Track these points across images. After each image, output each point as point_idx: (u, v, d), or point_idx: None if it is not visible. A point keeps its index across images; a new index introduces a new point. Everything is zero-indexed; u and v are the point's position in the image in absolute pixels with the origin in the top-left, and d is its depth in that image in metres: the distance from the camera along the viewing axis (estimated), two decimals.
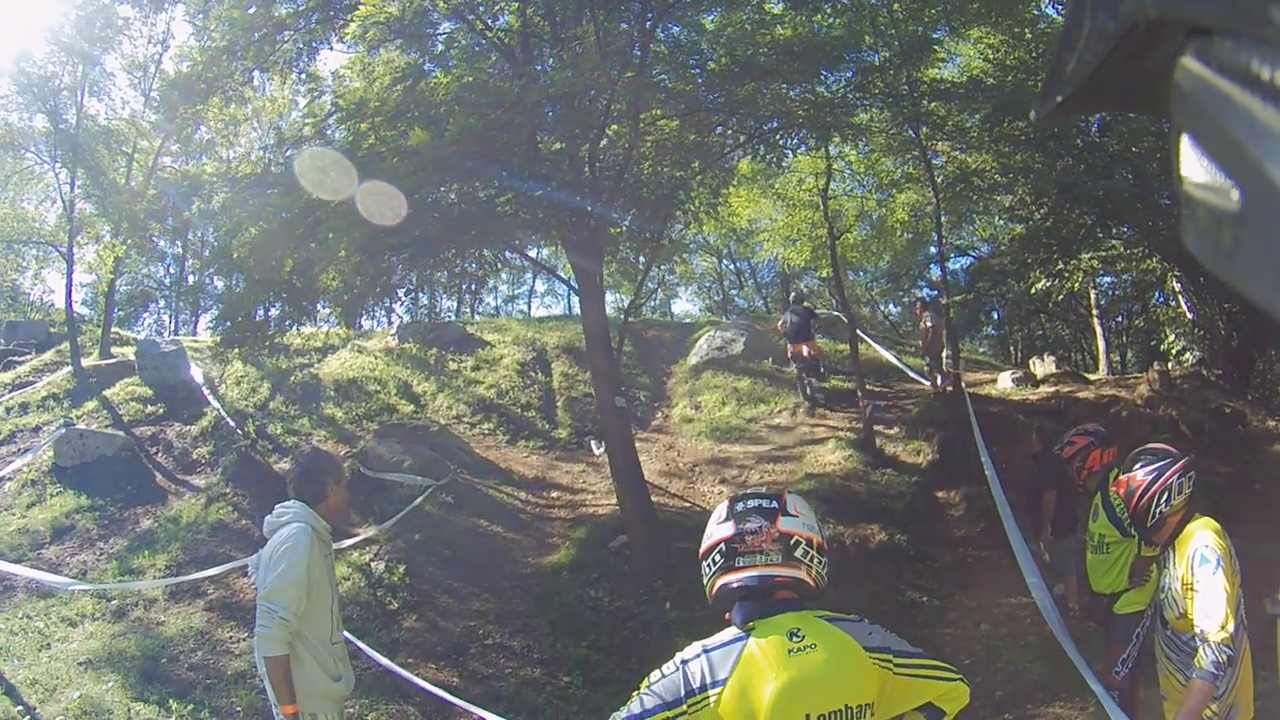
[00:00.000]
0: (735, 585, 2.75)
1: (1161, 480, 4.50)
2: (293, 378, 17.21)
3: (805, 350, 18.09)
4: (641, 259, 17.89)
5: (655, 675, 2.66)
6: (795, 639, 2.62)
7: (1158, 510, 4.49)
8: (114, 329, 21.66)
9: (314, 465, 5.35)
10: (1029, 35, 17.02)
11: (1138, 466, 4.67)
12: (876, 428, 15.78)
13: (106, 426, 14.57)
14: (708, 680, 2.59)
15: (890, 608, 11.14)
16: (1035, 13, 17.14)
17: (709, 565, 2.84)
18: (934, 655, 2.81)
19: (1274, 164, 0.45)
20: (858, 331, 18.50)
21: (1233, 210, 0.49)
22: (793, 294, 25.67)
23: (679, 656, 2.68)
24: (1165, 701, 4.58)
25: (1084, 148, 16.93)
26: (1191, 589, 4.12)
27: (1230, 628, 3.86)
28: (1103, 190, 15.78)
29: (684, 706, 2.57)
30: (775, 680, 2.55)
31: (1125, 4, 0.57)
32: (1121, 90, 0.63)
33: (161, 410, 15.37)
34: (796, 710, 2.55)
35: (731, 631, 2.71)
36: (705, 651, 2.66)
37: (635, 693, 2.65)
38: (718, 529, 2.84)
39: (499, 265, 16.55)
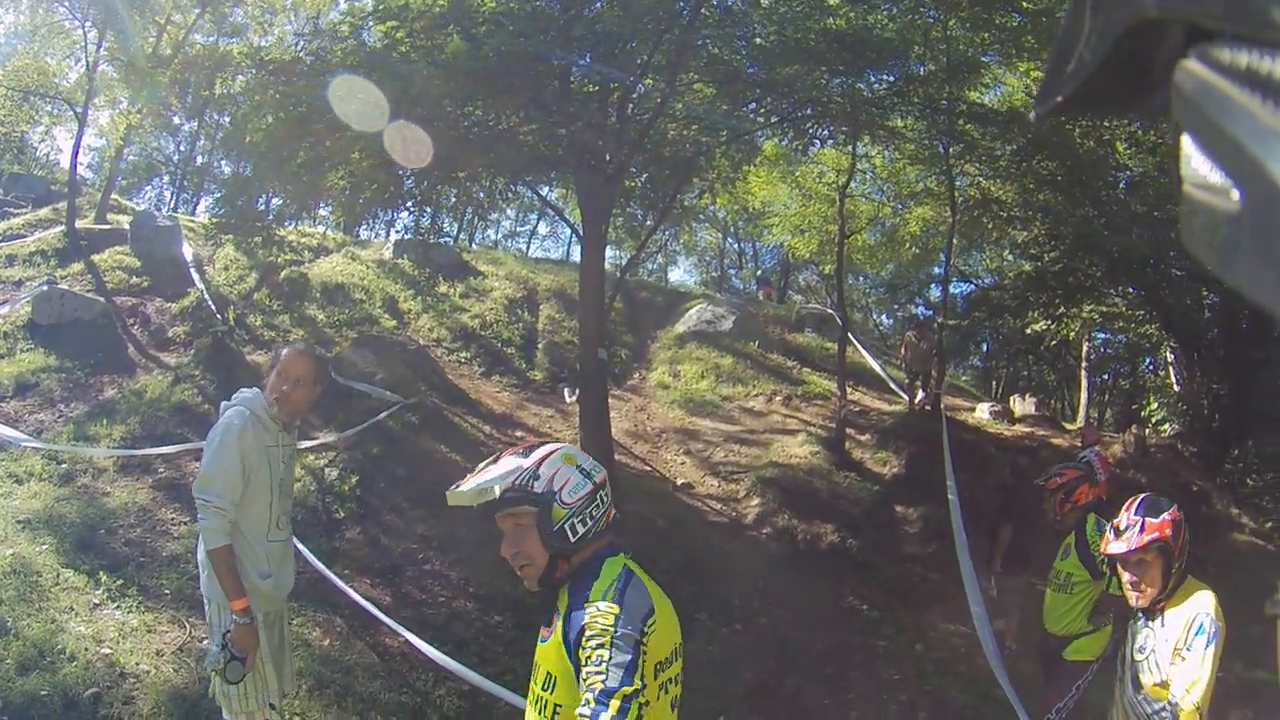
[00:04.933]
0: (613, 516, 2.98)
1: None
2: (282, 273, 17.00)
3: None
4: (650, 219, 17.86)
5: (609, 603, 2.67)
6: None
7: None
8: (114, 196, 21.36)
9: (288, 357, 4.98)
10: None
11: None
12: (849, 430, 15.82)
13: (89, 290, 14.40)
14: (647, 608, 2.70)
15: (829, 609, 11.16)
16: None
17: (605, 496, 2.96)
18: None
19: (1274, 164, 0.44)
20: (848, 334, 18.45)
21: (1233, 210, 0.48)
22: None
23: (614, 584, 2.76)
24: None
25: (1108, 201, 16.92)
26: (1180, 655, 3.92)
27: (1204, 710, 3.72)
28: (1118, 247, 15.76)
29: (645, 627, 2.64)
30: (666, 609, 2.79)
31: (1125, 4, 0.56)
32: (1121, 90, 0.62)
33: (146, 283, 15.21)
34: (677, 640, 2.82)
35: (623, 563, 2.85)
36: (631, 581, 2.77)
37: (600, 626, 2.61)
38: (597, 473, 2.99)
39: (508, 197, 16.43)
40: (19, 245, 16.41)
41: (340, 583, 7.72)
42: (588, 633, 2.62)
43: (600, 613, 2.65)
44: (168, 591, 7.62)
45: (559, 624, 2.79)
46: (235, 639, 4.52)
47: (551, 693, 2.78)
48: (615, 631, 2.60)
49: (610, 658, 2.53)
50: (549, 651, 2.82)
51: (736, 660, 9.33)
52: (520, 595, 9.07)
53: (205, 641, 4.78)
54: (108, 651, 6.59)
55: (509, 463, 2.91)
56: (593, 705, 2.43)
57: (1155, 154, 16.59)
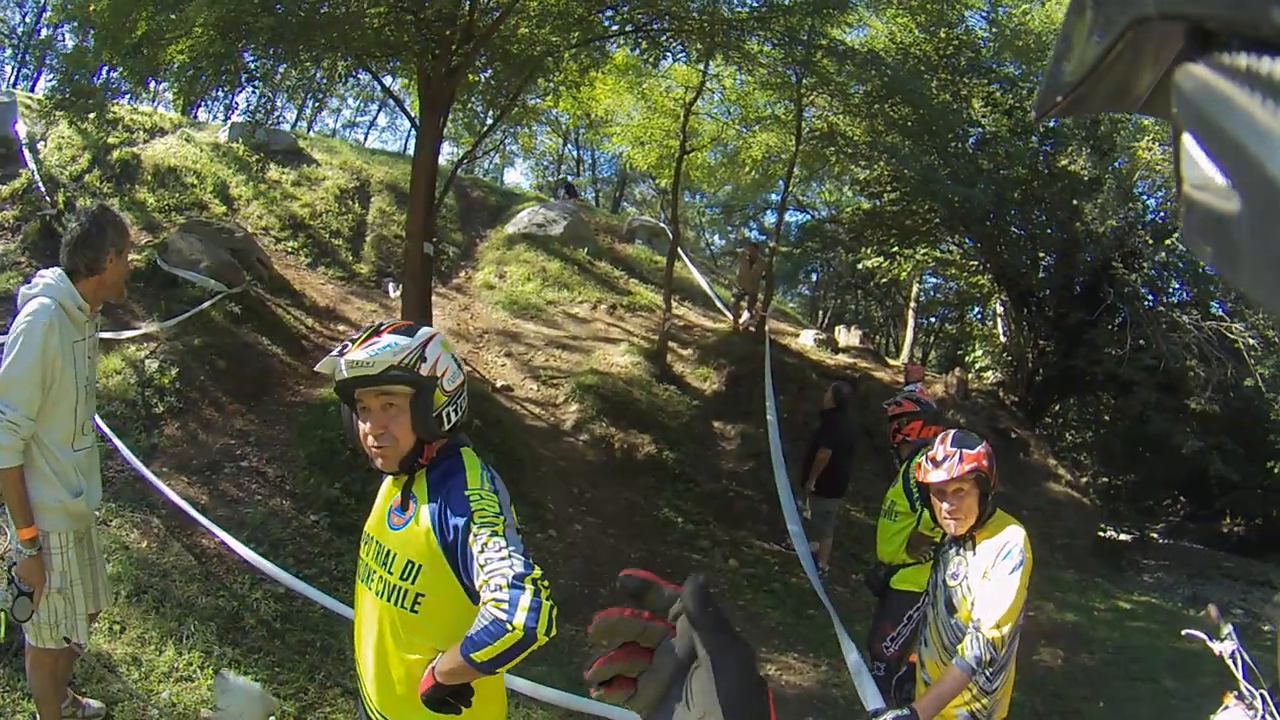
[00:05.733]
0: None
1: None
2: (114, 154, 15.92)
3: None
4: (490, 116, 17.56)
5: (488, 493, 2.78)
6: None
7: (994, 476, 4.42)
8: None
9: (98, 226, 4.35)
10: (944, 34, 17.28)
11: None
12: (671, 344, 16.01)
13: None
14: (508, 499, 2.83)
15: (644, 520, 11.36)
16: (958, 17, 17.44)
17: (463, 395, 3.04)
18: None
19: (1274, 164, 0.42)
20: (678, 249, 18.55)
21: (1233, 212, 0.46)
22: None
23: (483, 474, 2.86)
24: (926, 685, 4.56)
25: (956, 153, 17.41)
26: (987, 577, 4.06)
27: (1005, 630, 3.85)
28: (959, 197, 16.21)
29: (511, 516, 2.76)
30: None
31: (1125, 3, 0.53)
32: (1121, 89, 0.59)
33: None
34: None
35: (476, 455, 2.95)
36: (493, 473, 2.91)
37: (489, 515, 2.69)
38: (462, 366, 3.07)
39: (347, 80, 15.91)
40: None
41: (157, 482, 7.40)
42: (477, 520, 2.66)
43: (485, 501, 2.72)
44: None
45: (423, 511, 2.80)
46: (21, 572, 4.11)
47: (413, 582, 2.78)
48: (505, 519, 2.69)
49: (508, 544, 2.59)
50: (410, 539, 2.81)
51: (550, 566, 9.37)
52: (335, 495, 8.94)
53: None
54: None
55: (393, 339, 2.83)
56: (506, 590, 2.48)
57: (1010, 116, 17.12)
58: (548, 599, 2.48)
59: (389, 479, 3.03)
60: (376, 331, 2.89)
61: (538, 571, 2.53)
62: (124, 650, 5.79)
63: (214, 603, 6.72)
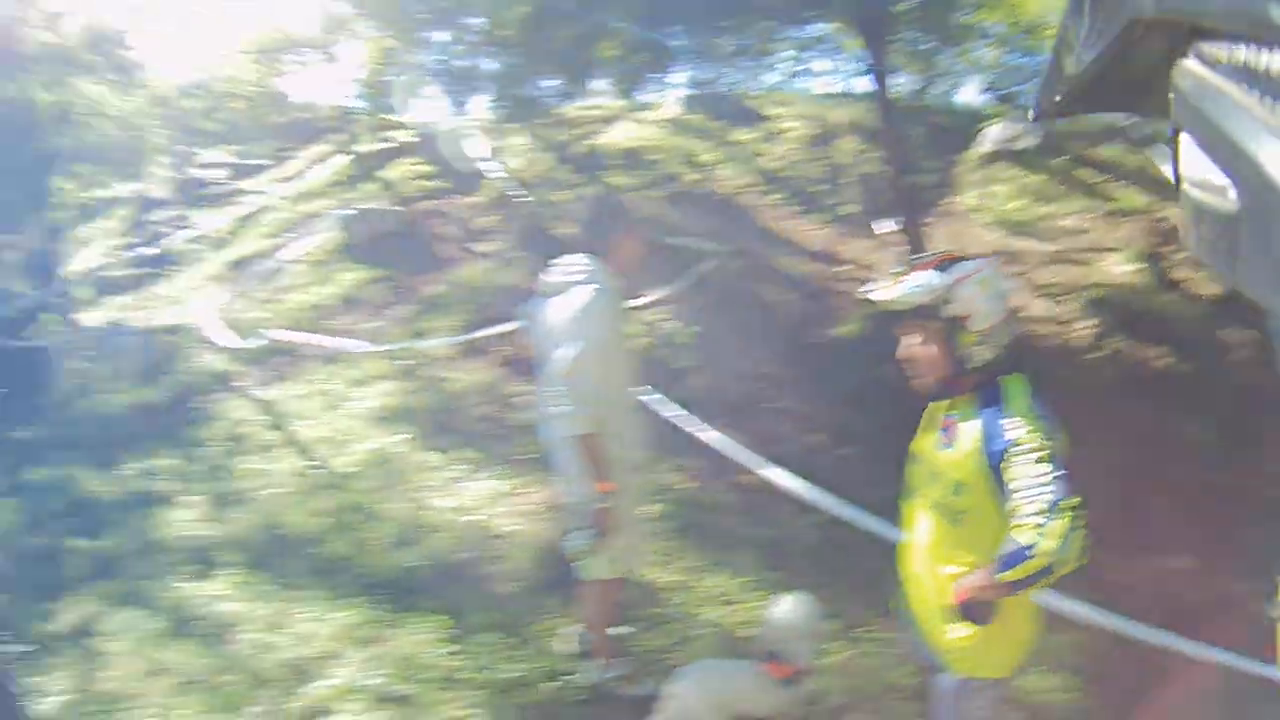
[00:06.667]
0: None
1: None
2: (572, 148, 17.08)
3: None
4: (930, 41, 17.29)
5: (1034, 420, 2.85)
6: None
7: None
8: (385, 115, 21.70)
9: (600, 211, 4.87)
10: None
11: None
12: (1167, 248, 14.92)
13: (390, 205, 14.84)
14: (1056, 428, 2.88)
15: (1168, 440, 10.51)
16: None
17: (1014, 320, 3.05)
18: None
19: (1272, 164, 0.45)
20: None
21: (1231, 210, 0.49)
22: None
23: (1030, 401, 2.93)
24: None
25: None
26: None
27: None
28: None
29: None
30: None
31: (1125, 3, 0.53)
32: (1121, 89, 0.60)
33: (442, 185, 15.52)
34: None
35: (1023, 381, 2.99)
36: (1040, 402, 2.96)
37: (1037, 441, 2.76)
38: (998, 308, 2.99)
39: (779, 35, 16.01)
40: (309, 182, 17.52)
41: (697, 427, 8.05)
42: (1018, 444, 2.76)
43: (1028, 427, 2.79)
44: (526, 457, 7.85)
45: (967, 434, 2.93)
46: (598, 520, 4.63)
47: (960, 498, 2.92)
48: (1051, 449, 2.75)
49: (1052, 471, 2.66)
50: (954, 460, 2.95)
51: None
52: (872, 429, 8.99)
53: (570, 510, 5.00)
54: (474, 518, 7.20)
55: (925, 279, 2.93)
56: (1039, 515, 2.56)
57: None
58: (1080, 527, 2.52)
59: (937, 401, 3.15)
60: (917, 267, 2.98)
61: (1075, 499, 2.57)
62: (671, 579, 6.42)
63: (755, 533, 7.19)
